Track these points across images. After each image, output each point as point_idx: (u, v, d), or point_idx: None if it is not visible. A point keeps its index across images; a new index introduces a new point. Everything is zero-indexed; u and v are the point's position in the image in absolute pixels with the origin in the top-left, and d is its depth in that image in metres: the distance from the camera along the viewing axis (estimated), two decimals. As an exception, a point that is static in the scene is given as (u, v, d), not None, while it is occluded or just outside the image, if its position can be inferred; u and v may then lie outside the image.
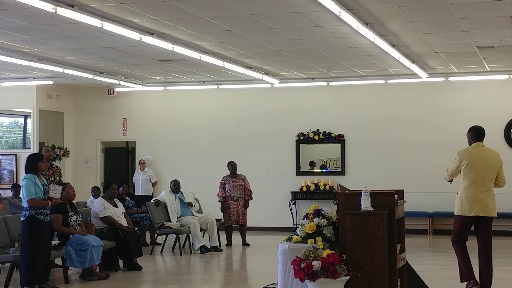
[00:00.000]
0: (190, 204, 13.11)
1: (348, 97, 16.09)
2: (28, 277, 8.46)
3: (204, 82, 16.19)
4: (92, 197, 12.96)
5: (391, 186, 8.43)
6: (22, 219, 8.54)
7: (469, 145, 8.26)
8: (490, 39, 11.15)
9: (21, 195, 8.64)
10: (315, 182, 15.99)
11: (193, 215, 13.15)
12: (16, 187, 13.58)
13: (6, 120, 18.71)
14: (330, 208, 6.80)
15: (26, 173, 8.60)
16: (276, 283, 6.83)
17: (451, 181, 8.43)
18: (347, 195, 6.57)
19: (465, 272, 8.32)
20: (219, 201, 13.58)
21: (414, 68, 13.64)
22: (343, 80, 15.63)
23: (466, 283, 8.31)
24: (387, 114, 15.81)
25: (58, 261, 9.78)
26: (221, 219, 13.61)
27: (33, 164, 8.59)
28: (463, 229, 8.36)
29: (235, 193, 13.49)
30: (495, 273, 10.38)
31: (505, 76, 14.89)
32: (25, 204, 8.49)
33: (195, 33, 10.54)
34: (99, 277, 9.77)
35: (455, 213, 8.31)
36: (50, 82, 15.63)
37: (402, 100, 15.79)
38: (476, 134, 8.19)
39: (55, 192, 8.76)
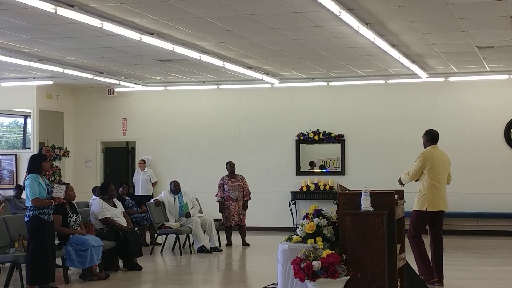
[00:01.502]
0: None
1: (348, 97, 16.08)
2: (33, 276, 8.53)
3: (204, 82, 16.19)
4: (94, 196, 12.93)
5: (391, 186, 8.41)
6: (26, 219, 8.60)
7: (424, 147, 9.13)
8: (490, 39, 11.15)
9: (24, 195, 8.67)
10: (315, 182, 15.98)
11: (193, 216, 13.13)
12: (19, 188, 13.59)
13: (6, 120, 18.71)
14: (330, 208, 6.81)
15: (29, 173, 8.66)
16: (276, 283, 6.83)
17: (403, 185, 9.02)
18: (347, 195, 6.57)
19: (425, 267, 8.76)
20: (217, 201, 13.57)
21: (414, 68, 13.64)
22: (343, 80, 15.63)
23: (432, 280, 8.70)
24: (387, 114, 15.80)
25: (58, 261, 9.76)
26: (221, 219, 13.60)
27: (37, 164, 8.69)
28: (424, 224, 8.87)
29: (234, 194, 13.48)
30: (495, 273, 10.41)
31: (505, 76, 14.88)
32: (28, 204, 8.54)
33: (195, 33, 10.54)
34: (99, 277, 9.76)
35: (417, 209, 8.83)
36: (50, 82, 15.63)
37: (402, 100, 15.78)
38: (431, 137, 9.14)
39: (59, 191, 8.83)
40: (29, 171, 8.73)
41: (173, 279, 10.32)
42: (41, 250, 8.54)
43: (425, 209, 8.74)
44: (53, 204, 8.78)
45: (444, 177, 8.94)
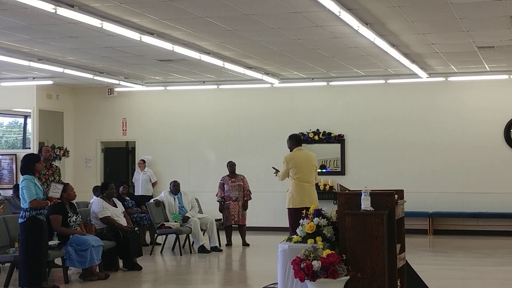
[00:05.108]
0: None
1: (348, 97, 16.08)
2: (31, 278, 8.49)
3: (204, 82, 16.19)
4: (94, 196, 12.92)
5: (391, 186, 8.42)
6: (22, 220, 8.51)
7: (291, 150, 9.93)
8: (490, 39, 11.15)
9: (20, 196, 8.59)
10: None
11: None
12: (16, 188, 13.55)
13: (6, 120, 18.71)
14: (330, 208, 6.81)
15: (22, 174, 8.59)
16: (276, 283, 6.83)
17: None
18: (347, 195, 6.56)
19: None
20: (217, 201, 13.58)
21: (414, 68, 13.64)
22: (343, 80, 15.62)
23: None
24: (387, 114, 15.80)
25: (58, 261, 9.79)
26: (221, 219, 13.60)
27: (31, 165, 8.60)
28: (298, 220, 9.14)
29: (234, 193, 13.48)
30: (495, 273, 10.41)
31: (505, 76, 14.87)
32: (24, 205, 8.46)
33: (195, 33, 10.54)
34: (99, 277, 9.77)
35: (288, 207, 9.65)
36: (50, 82, 15.63)
37: (402, 100, 15.78)
38: (297, 141, 10.01)
39: (56, 191, 8.78)
40: (22, 172, 8.65)
41: (173, 279, 10.32)
42: (40, 250, 8.51)
43: (292, 206, 9.61)
44: (49, 204, 8.73)
45: (309, 175, 9.77)
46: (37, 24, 9.86)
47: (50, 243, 9.11)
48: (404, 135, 15.67)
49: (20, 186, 8.56)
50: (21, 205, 8.59)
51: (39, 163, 8.74)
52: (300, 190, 9.68)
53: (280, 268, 6.56)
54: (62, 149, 16.36)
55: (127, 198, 13.38)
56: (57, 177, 10.81)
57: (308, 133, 16.12)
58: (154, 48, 11.22)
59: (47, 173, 10.44)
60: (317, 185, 15.83)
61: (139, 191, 16.26)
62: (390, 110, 15.80)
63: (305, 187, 9.72)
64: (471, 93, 15.39)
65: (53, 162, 11.49)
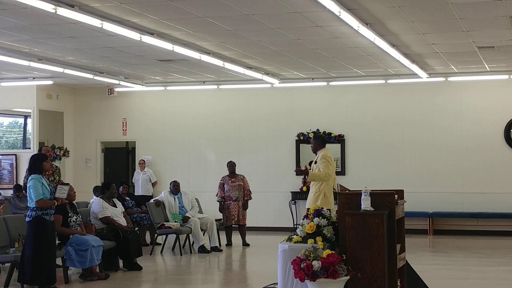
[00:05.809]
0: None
1: (348, 97, 16.08)
2: (32, 276, 8.49)
3: (204, 82, 16.19)
4: (94, 196, 12.91)
5: (391, 186, 8.42)
6: (28, 219, 8.55)
7: (315, 150, 9.64)
8: (490, 39, 11.15)
9: (27, 196, 8.62)
10: (315, 182, 15.95)
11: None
12: (17, 188, 13.56)
13: (6, 120, 18.71)
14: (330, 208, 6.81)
15: (30, 174, 8.63)
16: (276, 283, 6.83)
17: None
18: (347, 195, 6.57)
19: None
20: (217, 201, 13.58)
21: (414, 68, 13.64)
22: (343, 80, 15.63)
23: None
24: (387, 114, 15.80)
25: (58, 261, 9.77)
26: (221, 219, 13.61)
27: (38, 164, 8.65)
28: None
29: (234, 193, 13.48)
30: (496, 273, 10.41)
31: (505, 76, 14.87)
32: (31, 205, 8.50)
33: (195, 33, 10.54)
34: (99, 277, 9.77)
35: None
36: (50, 82, 15.63)
37: (402, 100, 15.78)
38: (322, 141, 9.72)
39: (62, 192, 8.81)
40: (30, 171, 8.71)
41: (173, 279, 10.33)
42: (43, 250, 8.53)
43: (326, 207, 9.12)
44: (56, 204, 8.78)
45: (334, 176, 9.67)
46: (37, 24, 9.86)
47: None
48: (404, 135, 15.67)
49: (27, 185, 8.60)
50: (28, 204, 8.63)
51: (46, 162, 8.81)
52: (330, 191, 9.49)
53: (280, 268, 6.56)
54: (62, 149, 16.36)
55: (127, 198, 13.38)
56: (57, 177, 10.83)
57: (308, 133, 16.12)
58: (154, 48, 11.22)
59: (47, 173, 10.44)
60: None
61: (139, 191, 16.27)
62: (390, 110, 15.80)
63: (332, 188, 9.54)
64: (471, 93, 15.40)
65: (53, 162, 11.50)
